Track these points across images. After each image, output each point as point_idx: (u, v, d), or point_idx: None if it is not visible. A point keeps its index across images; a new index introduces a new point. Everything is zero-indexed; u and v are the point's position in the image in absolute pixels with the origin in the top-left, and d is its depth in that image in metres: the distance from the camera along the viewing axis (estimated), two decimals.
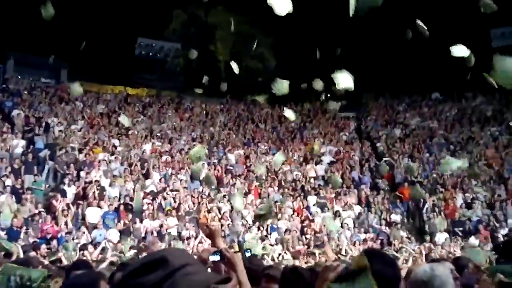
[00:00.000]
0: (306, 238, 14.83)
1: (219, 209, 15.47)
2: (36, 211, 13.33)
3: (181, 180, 16.53)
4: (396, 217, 16.70)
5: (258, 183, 17.24)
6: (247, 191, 16.92)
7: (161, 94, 26.40)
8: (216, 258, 2.77)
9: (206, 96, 26.39)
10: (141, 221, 14.16)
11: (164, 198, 15.32)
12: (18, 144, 16.04)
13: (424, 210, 17.19)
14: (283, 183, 17.79)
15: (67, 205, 13.91)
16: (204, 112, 24.11)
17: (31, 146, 16.39)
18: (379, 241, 15.20)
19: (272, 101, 25.96)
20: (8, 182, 14.08)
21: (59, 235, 12.92)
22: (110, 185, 15.40)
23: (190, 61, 30.58)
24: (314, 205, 16.76)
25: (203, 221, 14.09)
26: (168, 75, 31.74)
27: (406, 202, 17.82)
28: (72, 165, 15.95)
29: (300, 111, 24.78)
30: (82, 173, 15.58)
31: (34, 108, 19.20)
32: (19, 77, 23.13)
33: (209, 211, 15.15)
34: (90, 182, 15.05)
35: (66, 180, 15.08)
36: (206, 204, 15.41)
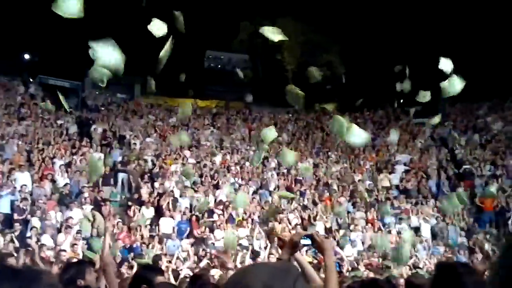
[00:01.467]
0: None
1: (288, 219, 15.24)
2: (114, 222, 13.81)
3: (251, 191, 16.47)
4: (477, 228, 15.57)
5: (328, 193, 16.81)
6: (317, 201, 16.57)
7: (229, 105, 26.74)
8: (307, 242, 2.94)
9: (274, 106, 26.36)
10: (212, 232, 14.26)
11: (235, 209, 15.33)
12: (96, 157, 16.78)
13: (510, 221, 15.90)
14: (355, 194, 17.22)
15: (142, 216, 14.29)
16: (273, 122, 24.05)
17: (108, 159, 17.10)
18: (458, 253, 14.20)
19: (342, 109, 25.43)
20: (87, 194, 14.74)
21: (134, 245, 13.29)
22: (181, 196, 15.68)
23: (257, 72, 30.86)
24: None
25: (273, 232, 13.93)
26: (237, 86, 32.19)
27: (488, 212, 16.57)
28: (146, 176, 16.46)
29: (372, 118, 24.00)
30: (156, 184, 16.01)
31: (110, 123, 20.09)
32: (97, 93, 24.40)
33: (279, 222, 14.93)
34: (164, 193, 15.40)
35: (141, 191, 15.54)
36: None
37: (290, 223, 15.07)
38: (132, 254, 12.55)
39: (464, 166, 19.13)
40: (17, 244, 11.22)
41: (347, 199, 16.75)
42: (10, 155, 15.23)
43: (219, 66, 33.41)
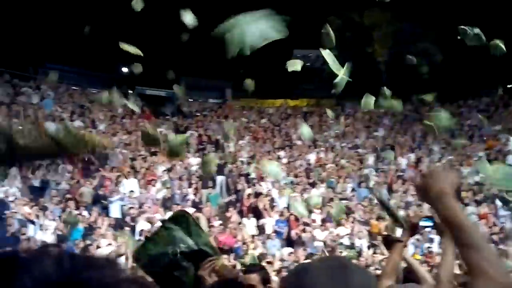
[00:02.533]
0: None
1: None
2: (214, 224, 14.10)
3: (350, 189, 15.96)
4: None
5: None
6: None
7: (321, 103, 26.29)
8: (428, 223, 2.82)
9: None
10: (311, 231, 14.00)
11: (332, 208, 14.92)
12: (195, 162, 17.32)
13: None
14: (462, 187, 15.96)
15: (241, 217, 14.46)
16: (367, 117, 23.21)
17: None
18: None
19: (441, 98, 23.83)
20: (190, 196, 15.26)
21: (235, 246, 13.45)
22: (279, 196, 15.62)
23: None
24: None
25: (375, 231, 13.34)
26: (327, 83, 31.53)
27: None
28: (242, 178, 16.64)
29: (477, 106, 22.19)
30: (252, 186, 16.13)
31: (205, 127, 20.65)
32: (190, 100, 25.30)
33: (380, 219, 14.26)
34: (260, 193, 15.45)
35: (239, 193, 15.76)
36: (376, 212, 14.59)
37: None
38: (233, 254, 12.72)
39: None
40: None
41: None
42: (116, 163, 16.22)
43: (308, 64, 33.01)
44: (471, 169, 16.53)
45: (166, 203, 14.72)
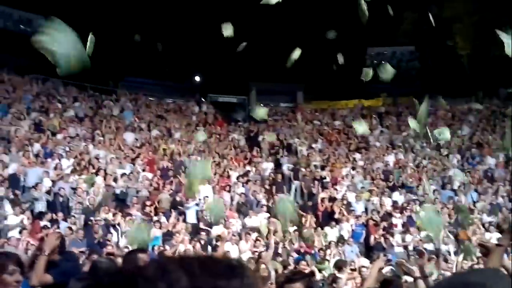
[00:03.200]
0: None
1: (481, 220, 13.48)
2: (290, 229, 13.86)
3: (434, 190, 15.03)
4: None
5: None
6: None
7: (398, 102, 25.18)
8: None
9: (450, 96, 24.03)
10: (392, 236, 13.35)
11: (413, 212, 14.16)
12: (268, 167, 17.24)
13: None
14: None
15: (316, 222, 14.12)
16: (450, 114, 21.83)
17: (279, 167, 17.45)
18: None
19: None
20: (263, 201, 15.16)
21: (312, 251, 13.13)
22: (355, 200, 15.10)
23: (427, 62, 28.55)
24: None
25: (464, 237, 12.42)
26: (404, 81, 30.23)
27: None
28: (316, 182, 16.28)
29: None
30: (328, 190, 15.72)
31: (277, 132, 20.49)
32: (262, 105, 25.33)
33: (470, 224, 13.28)
34: (335, 198, 15.01)
35: (313, 198, 15.42)
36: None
37: (483, 226, 13.29)
38: (307, 259, 12.41)
39: None
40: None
41: None
42: None
43: (383, 61, 31.83)
44: None
45: (240, 208, 14.75)
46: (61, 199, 13.01)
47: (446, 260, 11.68)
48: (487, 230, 12.96)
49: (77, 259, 9.88)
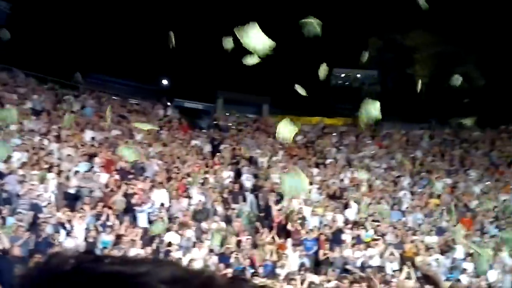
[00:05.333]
0: None
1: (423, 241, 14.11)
2: (244, 238, 14.00)
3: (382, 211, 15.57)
4: None
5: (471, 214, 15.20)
6: (456, 222, 15.15)
7: (357, 123, 25.96)
8: None
9: (406, 121, 25.00)
10: (340, 251, 13.73)
11: (364, 229, 14.61)
12: (227, 176, 17.31)
13: None
14: (499, 215, 15.41)
15: (272, 237, 14.31)
16: (405, 138, 22.71)
17: (238, 177, 17.61)
18: None
19: (482, 123, 23.07)
20: (219, 209, 15.24)
21: (264, 263, 13.30)
22: (311, 214, 15.39)
23: (387, 87, 29.62)
24: None
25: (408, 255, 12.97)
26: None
27: None
28: (274, 194, 16.52)
29: None
30: (284, 203, 15.94)
31: (240, 142, 20.67)
32: (227, 114, 25.53)
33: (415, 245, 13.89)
34: (292, 211, 15.26)
35: (269, 210, 15.63)
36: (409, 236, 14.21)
37: (425, 246, 13.91)
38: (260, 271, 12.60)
39: None
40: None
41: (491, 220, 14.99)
42: (151, 174, 16.41)
43: (346, 83, 32.84)
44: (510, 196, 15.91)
45: (196, 216, 14.77)
46: (5, 194, 12.55)
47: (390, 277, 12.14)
48: (428, 250, 13.55)
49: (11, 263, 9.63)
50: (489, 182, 17.50)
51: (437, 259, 13.30)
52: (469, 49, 31.49)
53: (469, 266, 13.13)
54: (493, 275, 12.87)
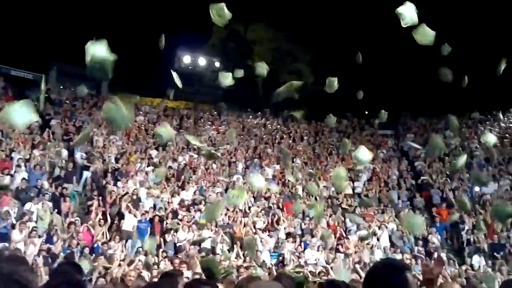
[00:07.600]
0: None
1: (253, 223, 15.34)
2: (73, 219, 13.44)
3: (216, 193, 16.37)
4: (433, 239, 16.01)
5: (294, 200, 16.95)
6: (281, 207, 16.77)
7: (198, 107, 26.63)
8: None
9: (243, 110, 26.42)
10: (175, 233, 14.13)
11: (199, 211, 15.23)
12: (60, 153, 16.21)
13: (464, 232, 16.47)
14: (318, 199, 17.47)
15: (103, 214, 14.02)
16: (241, 126, 24.07)
17: (71, 156, 16.70)
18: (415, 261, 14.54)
19: (309, 117, 25.76)
20: (48, 189, 14.29)
21: (95, 245, 13.00)
22: (146, 196, 15.42)
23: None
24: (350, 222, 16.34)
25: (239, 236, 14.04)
26: (207, 88, 31.99)
27: (443, 223, 17.08)
28: (109, 174, 16.14)
29: (337, 128, 24.39)
30: (119, 183, 15.70)
31: (74, 118, 19.54)
32: (61, 87, 23.75)
33: (244, 225, 15.02)
34: (127, 192, 15.10)
35: (103, 190, 15.24)
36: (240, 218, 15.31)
37: (254, 227, 15.14)
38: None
39: (422, 178, 19.77)
40: None
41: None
42: None
43: (190, 67, 33.25)
44: (328, 184, 18.12)
45: (19, 195, 13.66)
46: None
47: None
48: (255, 233, 14.84)
49: None
50: (311, 170, 19.63)
51: (262, 239, 14.57)
52: (304, 48, 34.51)
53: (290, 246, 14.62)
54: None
